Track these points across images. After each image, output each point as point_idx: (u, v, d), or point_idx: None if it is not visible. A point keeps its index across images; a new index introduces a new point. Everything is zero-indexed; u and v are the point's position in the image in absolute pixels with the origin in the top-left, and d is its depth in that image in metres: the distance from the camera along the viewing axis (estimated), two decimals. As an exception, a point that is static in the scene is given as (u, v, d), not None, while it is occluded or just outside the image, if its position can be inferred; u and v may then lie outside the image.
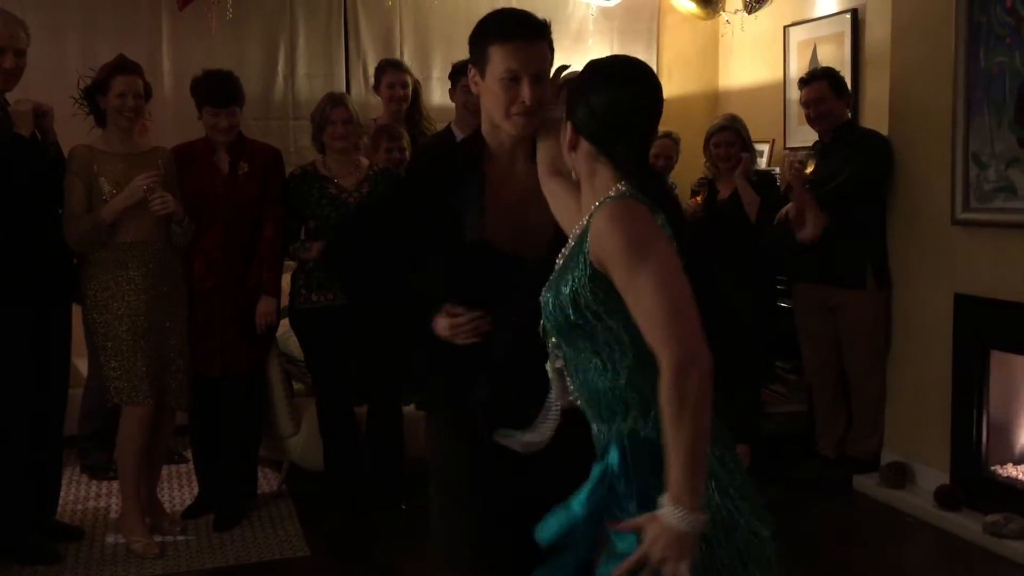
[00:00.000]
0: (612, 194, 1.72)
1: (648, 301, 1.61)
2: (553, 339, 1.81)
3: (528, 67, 2.03)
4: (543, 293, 1.79)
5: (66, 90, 3.78)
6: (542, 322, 1.82)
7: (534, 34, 2.07)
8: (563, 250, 1.81)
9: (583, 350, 1.75)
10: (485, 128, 2.18)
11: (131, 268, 3.65)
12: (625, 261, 1.62)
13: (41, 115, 3.61)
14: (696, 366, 1.56)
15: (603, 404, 1.74)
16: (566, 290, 1.72)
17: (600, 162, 1.76)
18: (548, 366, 1.85)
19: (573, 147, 1.80)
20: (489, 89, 2.08)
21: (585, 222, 1.74)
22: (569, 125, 1.79)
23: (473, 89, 2.17)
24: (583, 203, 1.82)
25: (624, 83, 1.75)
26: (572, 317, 1.72)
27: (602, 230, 1.67)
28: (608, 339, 1.71)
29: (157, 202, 3.60)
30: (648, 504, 1.62)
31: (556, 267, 1.80)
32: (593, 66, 1.84)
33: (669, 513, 1.55)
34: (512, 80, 2.03)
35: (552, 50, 2.12)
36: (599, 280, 1.69)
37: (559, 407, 1.88)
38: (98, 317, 3.66)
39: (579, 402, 1.82)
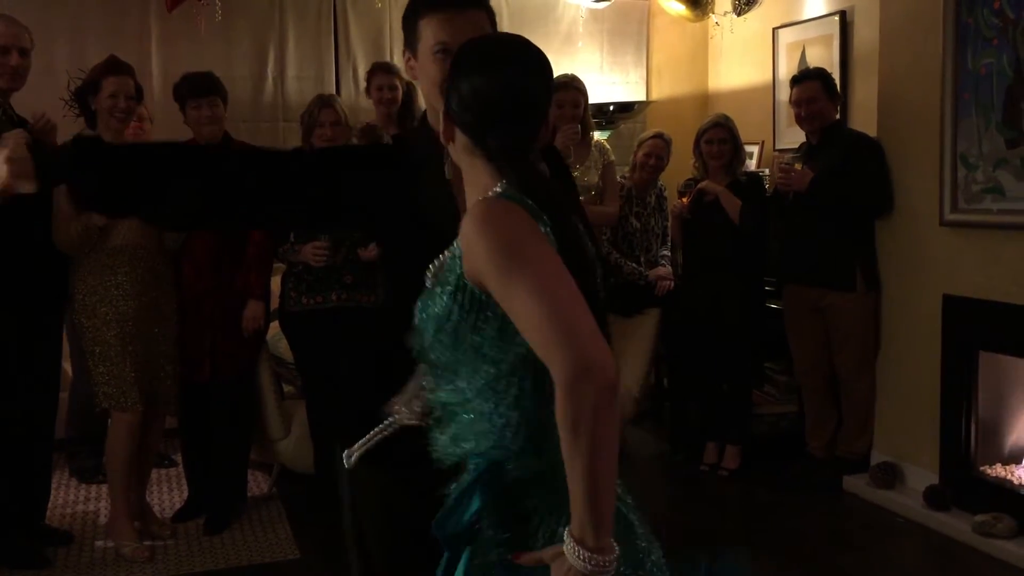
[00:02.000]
0: (489, 195, 1.48)
1: (526, 309, 1.33)
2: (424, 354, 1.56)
3: (461, 39, 1.69)
4: (418, 307, 1.52)
5: (55, 91, 3.77)
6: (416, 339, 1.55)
7: (466, 1, 1.84)
8: (435, 261, 1.53)
9: (458, 370, 1.50)
10: (430, 117, 1.91)
11: (120, 273, 3.63)
12: (497, 268, 1.36)
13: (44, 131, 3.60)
14: (590, 379, 1.27)
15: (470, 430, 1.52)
16: (435, 308, 1.48)
17: (477, 155, 1.53)
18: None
19: (450, 139, 1.58)
20: (422, 68, 1.86)
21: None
22: (445, 113, 1.59)
23: (408, 75, 1.94)
24: (468, 205, 1.54)
25: (497, 65, 1.54)
26: (444, 341, 1.47)
27: (471, 238, 1.40)
28: (480, 369, 1.47)
29: None
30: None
31: (427, 279, 1.53)
32: (468, 47, 1.60)
33: (570, 552, 1.32)
34: (443, 53, 1.78)
35: (493, 20, 1.88)
36: (476, 304, 1.43)
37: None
38: (86, 322, 3.64)
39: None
